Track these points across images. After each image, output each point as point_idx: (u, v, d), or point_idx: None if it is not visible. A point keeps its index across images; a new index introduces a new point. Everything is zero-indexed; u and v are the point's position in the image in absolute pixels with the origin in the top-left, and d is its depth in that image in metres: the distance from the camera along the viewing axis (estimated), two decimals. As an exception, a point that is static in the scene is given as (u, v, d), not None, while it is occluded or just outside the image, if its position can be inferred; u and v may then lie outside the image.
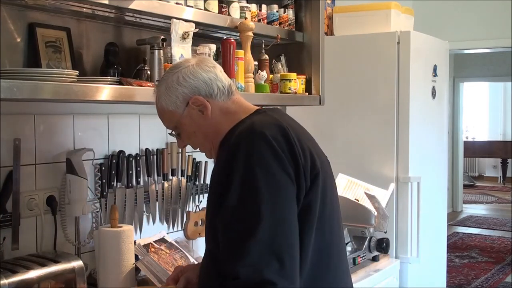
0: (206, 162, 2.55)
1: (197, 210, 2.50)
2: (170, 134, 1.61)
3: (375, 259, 2.70)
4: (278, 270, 1.26)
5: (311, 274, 1.39)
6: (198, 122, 1.52)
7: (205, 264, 1.51)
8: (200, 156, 2.55)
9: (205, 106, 1.50)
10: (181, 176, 2.42)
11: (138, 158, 2.24)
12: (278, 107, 1.62)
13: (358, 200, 2.70)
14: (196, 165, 2.50)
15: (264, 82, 2.43)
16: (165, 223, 2.37)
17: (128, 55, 2.15)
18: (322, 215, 1.43)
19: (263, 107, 1.62)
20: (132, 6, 1.83)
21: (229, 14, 2.27)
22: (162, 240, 2.18)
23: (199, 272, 1.57)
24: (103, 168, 2.11)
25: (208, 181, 2.57)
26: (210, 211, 1.45)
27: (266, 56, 2.46)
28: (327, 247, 1.47)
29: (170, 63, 2.02)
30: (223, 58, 2.25)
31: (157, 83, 1.61)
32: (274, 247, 1.28)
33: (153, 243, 2.11)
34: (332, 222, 1.50)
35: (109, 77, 1.87)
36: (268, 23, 2.54)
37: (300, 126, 1.57)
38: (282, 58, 2.65)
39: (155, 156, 2.32)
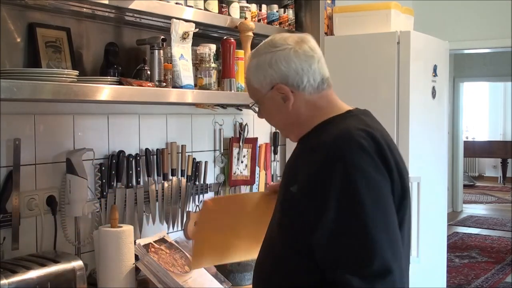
0: (206, 162, 2.55)
1: (197, 210, 2.49)
2: (252, 105, 1.54)
3: (375, 259, 2.69)
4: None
5: None
6: (279, 108, 1.46)
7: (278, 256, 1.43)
8: (200, 156, 2.55)
9: (288, 98, 1.44)
10: (181, 176, 2.42)
11: (138, 158, 2.24)
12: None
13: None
14: (196, 165, 2.49)
15: (264, 82, 2.42)
16: (165, 223, 2.37)
17: (128, 55, 2.15)
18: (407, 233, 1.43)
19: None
20: (132, 6, 1.84)
21: (229, 14, 2.28)
22: (162, 240, 2.18)
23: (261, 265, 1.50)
24: (103, 168, 2.11)
25: (208, 181, 2.58)
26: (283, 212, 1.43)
27: (266, 56, 2.45)
28: (404, 261, 1.42)
29: (170, 63, 2.02)
30: (223, 58, 2.25)
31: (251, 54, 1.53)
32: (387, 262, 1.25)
33: (153, 243, 2.11)
34: (407, 240, 1.48)
35: (109, 77, 1.87)
36: (268, 23, 2.54)
37: (387, 133, 1.49)
38: (282, 58, 2.64)
39: (155, 156, 2.32)
